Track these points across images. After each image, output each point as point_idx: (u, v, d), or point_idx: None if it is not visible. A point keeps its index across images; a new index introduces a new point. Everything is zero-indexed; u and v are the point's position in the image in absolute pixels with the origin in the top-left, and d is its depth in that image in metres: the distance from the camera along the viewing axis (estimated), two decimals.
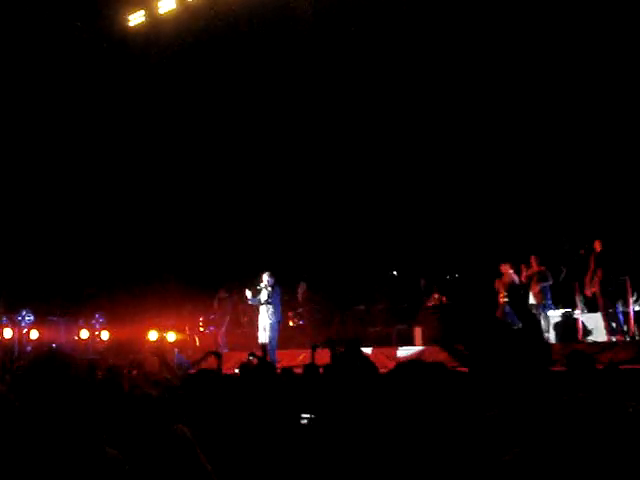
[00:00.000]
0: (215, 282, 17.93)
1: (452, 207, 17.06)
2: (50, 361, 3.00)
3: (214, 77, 17.30)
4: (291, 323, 16.75)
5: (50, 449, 2.78)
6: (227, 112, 18.60)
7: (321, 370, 7.93)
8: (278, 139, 19.06)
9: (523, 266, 13.99)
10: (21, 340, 16.79)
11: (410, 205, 17.55)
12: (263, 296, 13.35)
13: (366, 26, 15.74)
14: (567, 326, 13.42)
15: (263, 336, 13.39)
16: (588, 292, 12.71)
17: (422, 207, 17.44)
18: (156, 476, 3.16)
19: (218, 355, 9.90)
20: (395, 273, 16.52)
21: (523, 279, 13.89)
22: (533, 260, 13.72)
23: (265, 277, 13.43)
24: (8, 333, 16.38)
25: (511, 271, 14.03)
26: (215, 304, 17.16)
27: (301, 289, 16.83)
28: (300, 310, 16.76)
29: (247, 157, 19.73)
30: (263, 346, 13.28)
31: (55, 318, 18.29)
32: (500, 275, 14.23)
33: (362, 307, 16.82)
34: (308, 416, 4.42)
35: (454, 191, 17.08)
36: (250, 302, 13.75)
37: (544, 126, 15.87)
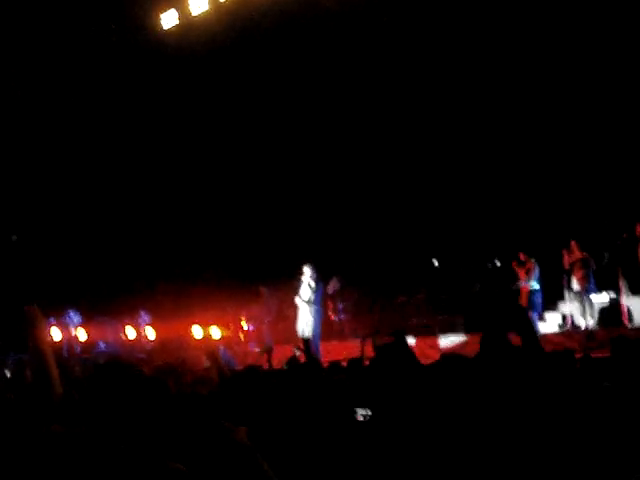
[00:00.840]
0: (256, 277, 18.05)
1: (489, 194, 17.00)
2: (115, 369, 3.06)
3: (246, 78, 17.43)
4: (332, 316, 16.75)
5: (113, 462, 2.82)
6: (259, 110, 18.73)
7: (366, 362, 8.01)
8: (317, 131, 19.19)
9: (565, 251, 13.89)
10: (70, 341, 16.97)
11: (448, 193, 17.53)
12: (305, 291, 13.28)
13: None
14: (611, 311, 13.32)
15: (305, 330, 13.36)
16: None
17: (459, 195, 17.41)
18: None
19: (268, 350, 9.97)
20: (436, 263, 16.49)
21: (565, 265, 13.80)
22: (574, 245, 13.61)
23: (306, 270, 13.36)
24: (57, 334, 16.48)
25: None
26: (258, 301, 17.28)
27: (333, 283, 16.71)
28: (340, 305, 16.74)
29: (285, 151, 19.87)
30: (305, 340, 13.27)
31: (100, 317, 18.46)
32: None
33: (403, 298, 16.83)
34: (363, 412, 4.46)
35: (491, 179, 17.01)
36: (298, 303, 13.64)
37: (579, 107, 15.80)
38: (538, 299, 13.60)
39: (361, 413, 4.36)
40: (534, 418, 4.25)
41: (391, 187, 18.30)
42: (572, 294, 13.74)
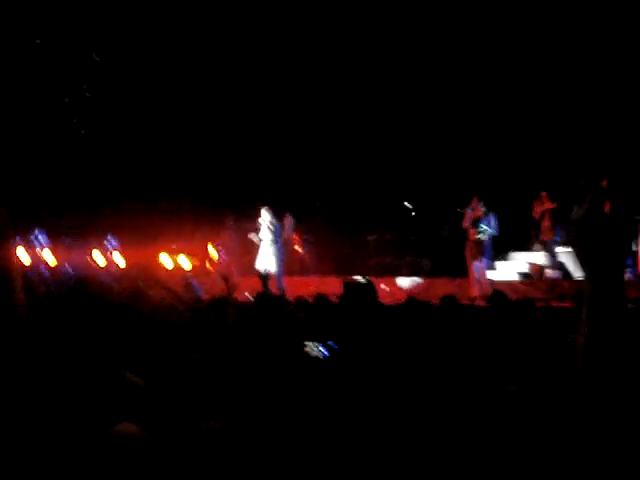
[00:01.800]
0: (224, 205, 17.92)
1: (463, 139, 17.03)
2: (84, 289, 3.08)
3: None
4: (298, 249, 16.64)
5: (72, 373, 2.85)
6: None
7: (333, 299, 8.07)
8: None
9: (535, 202, 14.02)
10: (36, 262, 16.72)
11: (428, 136, 17.53)
12: (264, 232, 13.48)
13: None
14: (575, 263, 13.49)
15: (261, 264, 13.53)
16: None
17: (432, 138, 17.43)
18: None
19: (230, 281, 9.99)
20: (408, 204, 16.54)
21: (535, 215, 13.93)
22: (544, 196, 13.73)
23: (264, 213, 13.58)
24: (24, 255, 16.13)
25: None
26: (225, 229, 17.20)
27: (287, 221, 16.56)
28: (306, 237, 16.67)
29: (263, 84, 19.66)
30: (265, 275, 13.42)
31: (66, 239, 18.20)
32: None
33: (372, 236, 16.92)
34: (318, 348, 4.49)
35: (463, 123, 17.06)
36: (254, 241, 13.81)
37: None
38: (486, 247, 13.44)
39: (316, 348, 4.38)
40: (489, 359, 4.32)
41: (373, 126, 18.23)
42: (539, 244, 13.91)
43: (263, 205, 13.84)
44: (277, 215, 14.16)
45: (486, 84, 16.67)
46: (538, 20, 15.72)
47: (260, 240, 13.65)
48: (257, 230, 13.76)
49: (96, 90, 19.64)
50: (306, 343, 4.12)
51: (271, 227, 13.51)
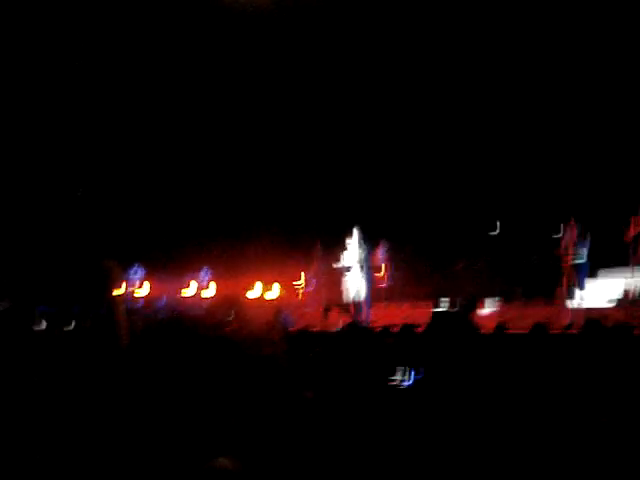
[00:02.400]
0: (315, 236, 18.06)
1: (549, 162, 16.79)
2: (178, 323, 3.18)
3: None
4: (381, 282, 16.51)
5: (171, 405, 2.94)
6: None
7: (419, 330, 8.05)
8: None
9: (632, 220, 13.55)
10: (133, 294, 17.28)
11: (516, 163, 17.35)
12: (353, 257, 13.11)
13: None
14: None
15: (355, 294, 13.26)
16: None
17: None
18: None
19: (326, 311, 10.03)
20: (495, 232, 16.33)
21: (628, 239, 13.50)
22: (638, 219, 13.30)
23: (355, 233, 13.21)
24: (122, 288, 16.66)
25: None
26: (315, 261, 17.33)
27: (382, 249, 16.47)
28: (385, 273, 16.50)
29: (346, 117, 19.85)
30: (355, 305, 13.17)
31: (162, 272, 18.74)
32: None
33: (462, 264, 16.73)
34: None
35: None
36: (338, 269, 13.52)
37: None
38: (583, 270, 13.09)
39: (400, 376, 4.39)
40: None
41: (457, 153, 18.15)
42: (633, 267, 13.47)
43: (354, 225, 13.50)
44: (369, 240, 13.81)
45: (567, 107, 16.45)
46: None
47: (346, 268, 13.32)
48: (342, 255, 13.39)
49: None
50: (392, 376, 4.14)
51: (360, 250, 13.17)
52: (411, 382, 4.09)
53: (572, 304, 12.38)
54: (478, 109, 17.71)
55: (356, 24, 17.11)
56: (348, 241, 13.24)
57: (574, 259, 12.39)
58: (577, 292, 12.37)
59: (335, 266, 13.51)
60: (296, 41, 17.76)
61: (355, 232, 13.16)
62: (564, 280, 12.68)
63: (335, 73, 18.86)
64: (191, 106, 19.83)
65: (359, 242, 13.08)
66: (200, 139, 20.20)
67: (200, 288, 18.29)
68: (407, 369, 4.31)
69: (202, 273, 18.57)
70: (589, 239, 12.77)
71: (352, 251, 13.12)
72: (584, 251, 12.27)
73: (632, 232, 13.42)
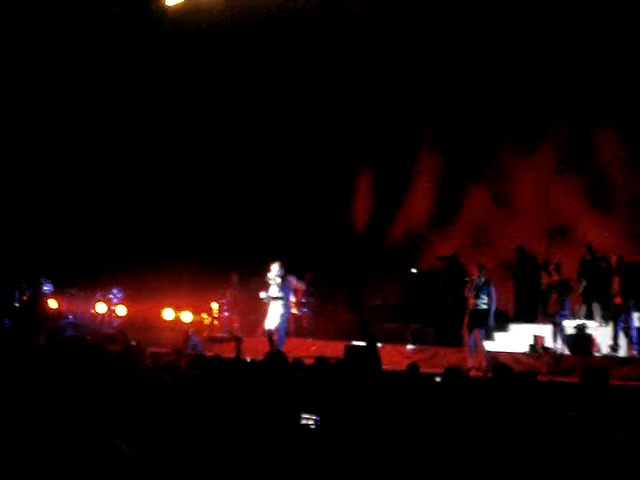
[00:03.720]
0: (232, 263, 18.00)
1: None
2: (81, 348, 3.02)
3: (247, 64, 17.27)
4: (294, 311, 16.44)
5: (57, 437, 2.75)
6: (257, 100, 18.63)
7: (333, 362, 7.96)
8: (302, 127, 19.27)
9: (544, 273, 13.95)
10: (42, 307, 16.77)
11: None
12: (273, 290, 13.12)
13: None
14: (582, 338, 13.36)
15: (271, 324, 13.17)
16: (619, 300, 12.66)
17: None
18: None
19: (238, 340, 9.87)
20: (414, 270, 16.47)
21: (543, 287, 13.84)
22: (553, 269, 13.65)
23: (275, 268, 13.20)
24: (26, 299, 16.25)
25: None
26: (229, 288, 17.19)
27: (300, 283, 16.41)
28: (305, 300, 16.44)
29: (274, 139, 19.90)
30: (269, 334, 13.08)
31: (72, 289, 18.33)
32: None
33: (378, 302, 16.80)
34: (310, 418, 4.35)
35: None
36: (264, 300, 13.51)
37: None
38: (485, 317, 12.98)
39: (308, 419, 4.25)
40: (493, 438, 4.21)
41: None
42: (546, 316, 13.79)
43: (274, 260, 13.43)
44: (287, 273, 13.76)
45: None
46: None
47: (270, 298, 13.25)
48: (266, 287, 13.37)
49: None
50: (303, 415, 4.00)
51: (278, 281, 13.13)
52: (319, 422, 3.96)
53: (472, 348, 12.45)
54: None
55: None
56: (269, 274, 13.18)
57: (476, 305, 12.52)
58: (475, 336, 12.43)
59: (261, 296, 13.38)
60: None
61: (276, 265, 13.11)
62: (465, 323, 12.77)
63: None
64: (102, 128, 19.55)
65: (279, 275, 13.02)
66: (116, 159, 19.82)
67: (111, 307, 17.99)
68: (317, 408, 4.18)
69: (114, 292, 18.25)
70: (493, 286, 12.85)
71: (273, 283, 13.06)
72: (485, 298, 12.41)
73: (546, 282, 13.79)
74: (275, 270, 13.16)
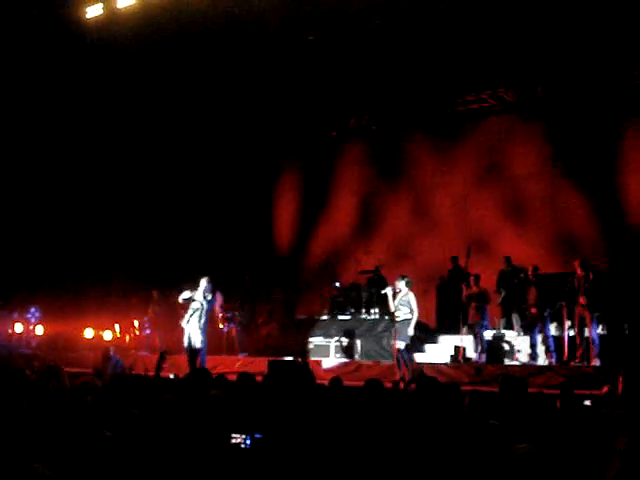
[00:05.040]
0: (154, 282, 17.81)
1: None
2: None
3: (168, 74, 17.09)
4: (221, 326, 16.27)
5: None
6: (179, 111, 18.49)
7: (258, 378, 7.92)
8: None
9: (463, 285, 14.22)
10: None
11: None
12: (196, 303, 12.80)
13: None
14: (501, 347, 13.66)
15: (189, 340, 12.84)
16: (534, 310, 12.97)
17: None
18: None
19: (163, 356, 9.65)
20: (337, 284, 16.56)
21: (463, 298, 14.11)
22: (472, 280, 13.93)
23: (203, 282, 12.94)
24: None
25: None
26: (150, 305, 16.97)
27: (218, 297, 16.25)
28: (230, 314, 16.28)
29: (194, 156, 19.83)
30: (192, 351, 12.73)
31: None
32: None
33: (303, 316, 16.84)
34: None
35: None
36: (181, 301, 13.12)
37: None
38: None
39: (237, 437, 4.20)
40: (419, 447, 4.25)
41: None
42: (466, 327, 14.04)
43: (203, 276, 13.13)
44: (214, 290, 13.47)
45: None
46: None
47: (190, 300, 12.85)
48: (188, 301, 13.02)
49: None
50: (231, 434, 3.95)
51: (206, 295, 12.84)
52: (250, 442, 3.91)
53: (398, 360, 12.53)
54: None
55: None
56: (193, 291, 12.92)
57: (398, 317, 12.62)
58: (400, 347, 12.49)
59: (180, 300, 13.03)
60: None
61: (204, 281, 12.86)
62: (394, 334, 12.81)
63: None
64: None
65: (203, 292, 12.79)
66: (29, 175, 19.33)
67: (29, 327, 17.62)
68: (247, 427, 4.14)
69: (32, 311, 17.86)
70: (413, 297, 12.81)
71: (197, 299, 12.80)
72: (405, 309, 12.52)
73: (465, 293, 14.06)
74: (203, 285, 12.89)
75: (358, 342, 14.67)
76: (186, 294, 12.82)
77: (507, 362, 13.29)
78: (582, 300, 12.15)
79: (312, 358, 14.07)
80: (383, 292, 13.11)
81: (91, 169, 19.53)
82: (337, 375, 8.01)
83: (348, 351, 14.70)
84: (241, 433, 3.97)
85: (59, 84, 17.52)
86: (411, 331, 12.24)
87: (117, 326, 17.39)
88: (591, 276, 12.29)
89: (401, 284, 12.58)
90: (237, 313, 16.17)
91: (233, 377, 7.43)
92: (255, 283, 17.54)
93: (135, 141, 19.54)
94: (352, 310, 15.90)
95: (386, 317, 14.55)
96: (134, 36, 15.53)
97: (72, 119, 18.66)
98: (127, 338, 17.26)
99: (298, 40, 15.20)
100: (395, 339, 12.54)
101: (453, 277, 15.52)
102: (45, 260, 18.95)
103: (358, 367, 13.61)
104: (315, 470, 3.61)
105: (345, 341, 14.79)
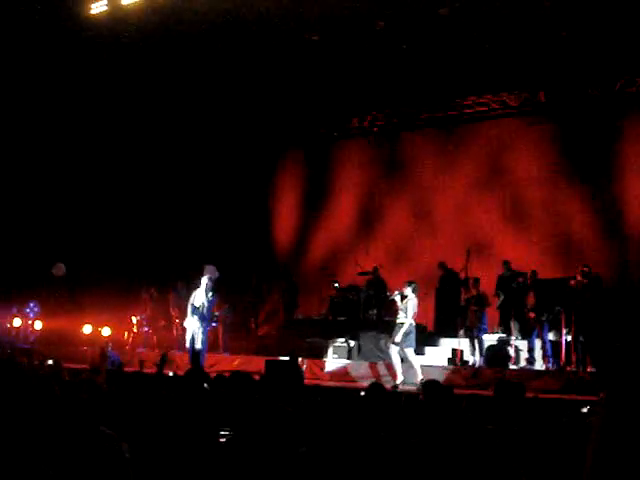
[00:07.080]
0: (152, 279, 17.83)
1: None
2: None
3: (172, 69, 17.08)
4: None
5: None
6: (180, 108, 18.50)
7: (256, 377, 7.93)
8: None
9: (462, 288, 14.24)
10: None
11: None
12: (199, 299, 12.77)
13: None
14: (499, 351, 13.64)
15: (192, 340, 12.81)
16: (532, 315, 12.98)
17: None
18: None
19: (165, 355, 9.70)
20: (337, 285, 16.54)
21: (461, 301, 14.11)
22: (470, 283, 13.93)
23: (205, 280, 12.89)
24: None
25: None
26: (149, 303, 16.98)
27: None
28: (217, 314, 16.19)
29: (199, 153, 19.84)
30: (194, 351, 12.72)
31: None
32: None
33: (300, 317, 16.85)
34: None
35: None
36: (190, 307, 13.07)
37: None
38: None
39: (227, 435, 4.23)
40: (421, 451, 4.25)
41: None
42: (464, 330, 14.03)
43: (208, 264, 13.09)
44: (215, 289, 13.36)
45: None
46: None
47: (193, 307, 12.80)
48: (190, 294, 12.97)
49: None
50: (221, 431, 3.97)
51: (208, 293, 12.77)
52: (236, 439, 3.93)
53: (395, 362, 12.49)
54: None
55: None
56: (198, 289, 12.91)
57: (398, 319, 12.62)
58: (398, 349, 12.48)
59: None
60: None
61: (204, 280, 12.85)
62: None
63: None
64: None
65: (205, 290, 12.78)
66: (26, 173, 19.32)
67: (27, 322, 17.63)
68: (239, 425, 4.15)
69: (30, 306, 17.87)
70: (412, 301, 12.78)
71: (199, 297, 12.80)
72: (403, 314, 12.51)
73: (464, 297, 14.07)
74: (205, 280, 12.86)
75: (356, 343, 14.67)
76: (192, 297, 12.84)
77: (505, 367, 13.30)
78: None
79: (310, 358, 14.07)
80: (391, 297, 13.21)
81: (91, 163, 19.54)
82: (336, 376, 8.03)
83: (346, 352, 14.70)
84: (230, 429, 3.99)
85: (63, 80, 17.52)
86: (398, 338, 12.25)
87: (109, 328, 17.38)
88: (589, 282, 12.32)
89: (408, 290, 12.62)
90: (224, 310, 16.14)
91: None
92: (259, 282, 17.59)
93: (135, 137, 19.53)
94: (350, 311, 15.91)
95: (385, 318, 14.69)
96: (138, 32, 15.55)
97: (73, 115, 18.66)
98: (125, 335, 17.26)
99: (302, 40, 15.21)
100: (391, 341, 12.58)
101: (446, 282, 15.53)
102: (44, 255, 18.93)
103: (357, 368, 13.62)
104: (309, 470, 3.61)
105: (343, 342, 14.79)
